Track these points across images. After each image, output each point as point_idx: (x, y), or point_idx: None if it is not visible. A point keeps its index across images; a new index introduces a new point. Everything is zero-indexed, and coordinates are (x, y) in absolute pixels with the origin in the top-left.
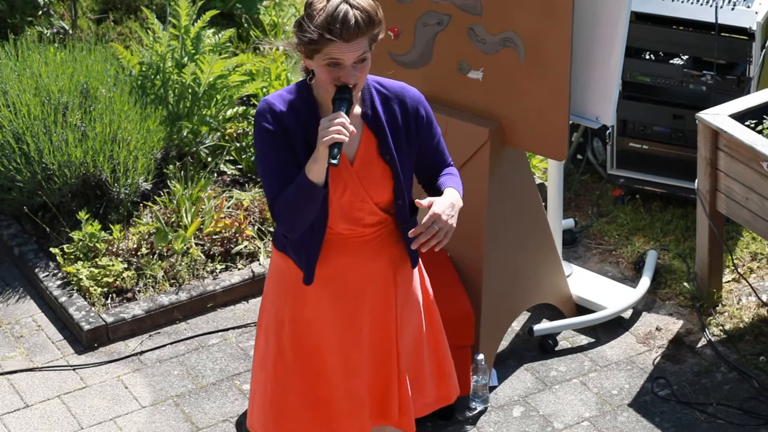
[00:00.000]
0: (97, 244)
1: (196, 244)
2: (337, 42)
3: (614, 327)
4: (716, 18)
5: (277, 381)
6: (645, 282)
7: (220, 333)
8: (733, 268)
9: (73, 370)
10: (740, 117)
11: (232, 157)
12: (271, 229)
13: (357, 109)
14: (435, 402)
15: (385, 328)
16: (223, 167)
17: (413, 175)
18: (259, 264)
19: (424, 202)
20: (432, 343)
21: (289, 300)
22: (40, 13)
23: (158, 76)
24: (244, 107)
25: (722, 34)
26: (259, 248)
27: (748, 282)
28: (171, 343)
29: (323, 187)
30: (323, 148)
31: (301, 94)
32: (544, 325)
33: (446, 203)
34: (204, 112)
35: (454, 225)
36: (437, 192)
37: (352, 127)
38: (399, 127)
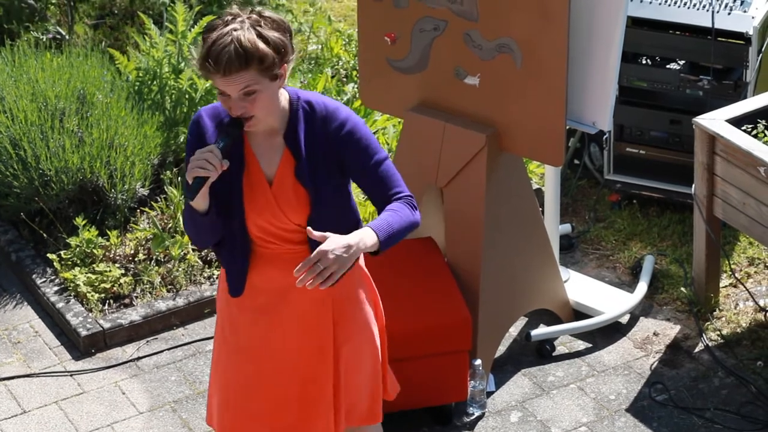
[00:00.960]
0: (95, 250)
1: (193, 250)
2: (217, 74)
3: (611, 332)
4: (713, 23)
5: (217, 383)
6: (642, 287)
7: None
8: (730, 273)
9: (71, 376)
10: (737, 122)
11: None
12: None
13: (281, 129)
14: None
15: (318, 347)
16: None
17: (341, 199)
18: None
19: (316, 234)
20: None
21: (226, 309)
22: (37, 18)
23: (155, 82)
24: None
25: (719, 38)
26: None
27: (745, 287)
28: (168, 349)
29: (204, 215)
30: (188, 179)
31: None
32: (541, 331)
33: (340, 242)
34: None
35: (344, 266)
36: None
37: (223, 163)
38: (318, 150)
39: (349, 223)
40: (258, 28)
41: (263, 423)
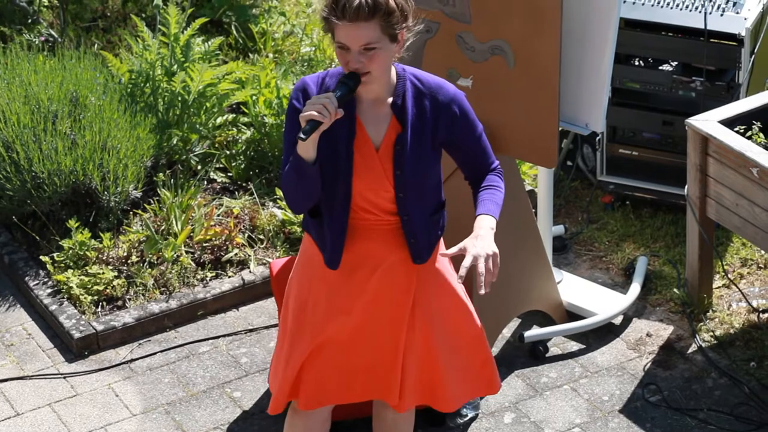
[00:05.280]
0: (87, 253)
1: (187, 252)
2: (342, 24)
3: (605, 333)
4: (705, 24)
5: (294, 354)
6: (635, 288)
7: (210, 341)
8: (723, 273)
9: (64, 378)
10: (730, 123)
11: (222, 165)
12: (261, 237)
13: (389, 99)
14: (466, 394)
15: (397, 315)
16: (213, 175)
17: (438, 173)
18: (249, 272)
19: (453, 250)
20: (461, 338)
21: (314, 282)
22: (30, 21)
23: (148, 84)
24: (234, 115)
25: (711, 40)
26: (249, 256)
27: (738, 288)
28: (161, 351)
29: (312, 164)
30: (302, 122)
31: (337, 77)
32: (534, 332)
33: (475, 241)
34: (194, 120)
35: (494, 250)
36: (477, 203)
37: (339, 111)
38: (425, 122)
39: (433, 192)
40: None
41: (358, 378)
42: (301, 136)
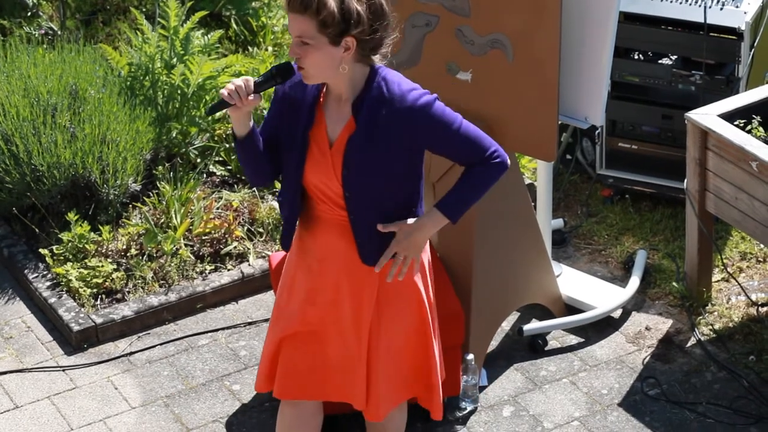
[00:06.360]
0: (87, 245)
1: (186, 245)
2: (289, 12)
3: (604, 327)
4: (705, 18)
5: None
6: (634, 282)
7: (209, 333)
8: (722, 267)
9: (63, 371)
10: (729, 117)
11: (221, 158)
12: (260, 230)
13: (351, 98)
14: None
15: (359, 317)
16: (212, 168)
17: (399, 178)
18: (249, 264)
19: (391, 227)
20: (420, 341)
21: (289, 268)
22: (29, 14)
23: (147, 77)
24: None
25: (711, 34)
26: (248, 249)
27: (737, 281)
28: (161, 344)
29: (241, 139)
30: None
31: None
32: (533, 325)
33: (404, 235)
34: (193, 113)
35: (419, 255)
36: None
37: (254, 97)
38: (379, 128)
39: (390, 195)
40: None
41: (329, 377)
42: (206, 110)
